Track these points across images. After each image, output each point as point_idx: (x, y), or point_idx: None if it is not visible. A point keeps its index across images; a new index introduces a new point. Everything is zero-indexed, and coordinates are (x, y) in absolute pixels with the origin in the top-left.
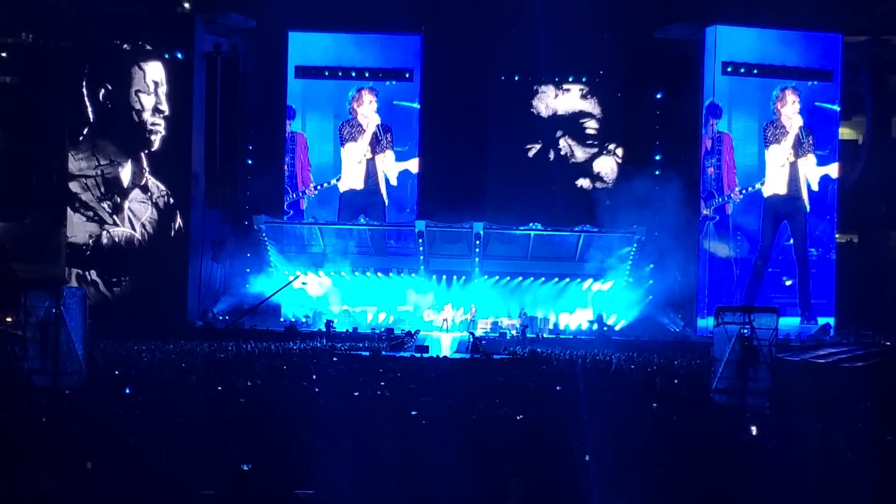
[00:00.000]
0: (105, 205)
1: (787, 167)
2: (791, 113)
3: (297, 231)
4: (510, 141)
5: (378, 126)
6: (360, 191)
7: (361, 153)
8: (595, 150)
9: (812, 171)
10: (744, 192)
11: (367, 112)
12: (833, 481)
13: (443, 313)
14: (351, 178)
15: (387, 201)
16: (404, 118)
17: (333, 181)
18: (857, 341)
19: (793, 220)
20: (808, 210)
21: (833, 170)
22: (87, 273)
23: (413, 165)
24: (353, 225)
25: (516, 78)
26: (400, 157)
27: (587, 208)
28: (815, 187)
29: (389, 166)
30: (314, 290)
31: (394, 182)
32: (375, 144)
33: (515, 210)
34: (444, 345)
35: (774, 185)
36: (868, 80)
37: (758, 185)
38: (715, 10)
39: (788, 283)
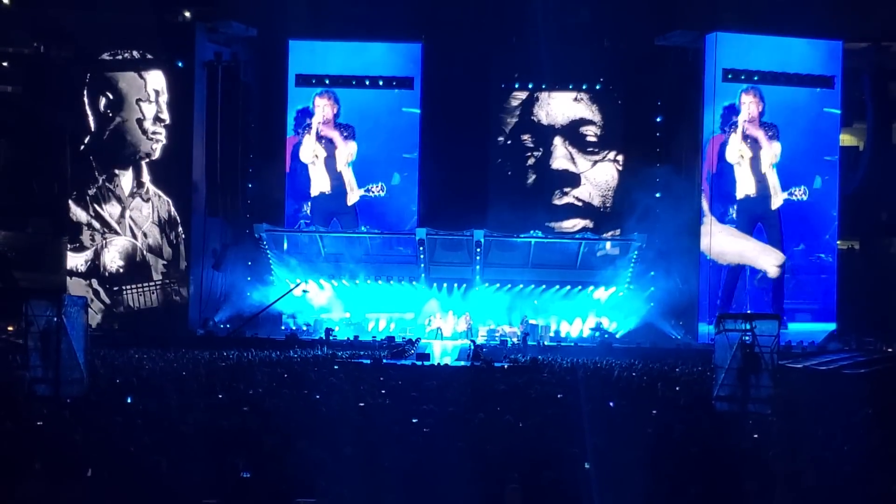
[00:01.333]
0: (106, 213)
1: (748, 167)
2: (746, 113)
3: (298, 239)
4: (511, 148)
5: (330, 123)
6: (329, 195)
7: (311, 152)
8: (595, 157)
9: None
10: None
11: (320, 115)
12: (835, 489)
13: (437, 321)
14: (319, 183)
15: (350, 201)
16: (405, 125)
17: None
18: (860, 348)
19: (766, 222)
20: (772, 209)
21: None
22: (88, 282)
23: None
24: (353, 233)
25: (517, 86)
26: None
27: (588, 215)
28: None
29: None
30: (315, 298)
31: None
32: (325, 143)
33: (516, 217)
34: (439, 352)
35: (743, 187)
36: (869, 86)
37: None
38: (715, 17)
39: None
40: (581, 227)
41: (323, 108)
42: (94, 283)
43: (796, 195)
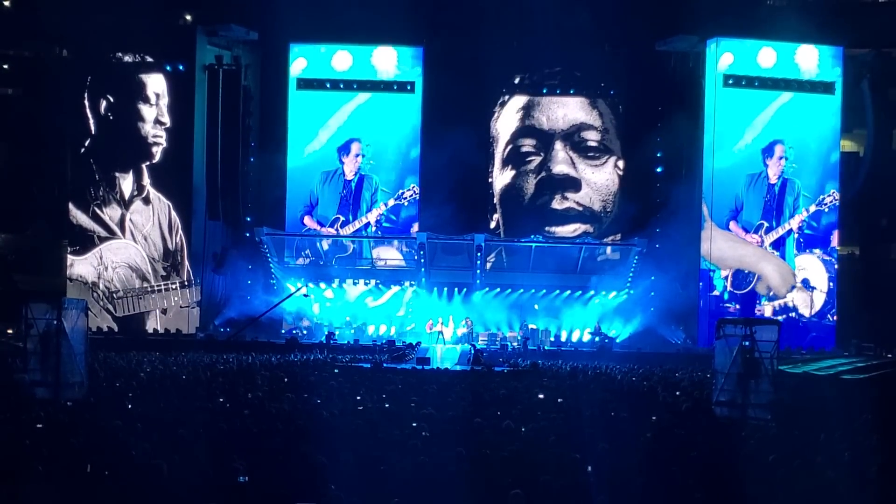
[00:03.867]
0: (106, 217)
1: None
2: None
3: (299, 242)
4: (512, 153)
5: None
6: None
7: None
8: (596, 162)
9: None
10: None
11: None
12: (835, 494)
13: (438, 325)
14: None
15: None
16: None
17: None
18: (859, 353)
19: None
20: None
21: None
22: (88, 285)
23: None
24: (354, 236)
25: (517, 90)
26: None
27: (588, 220)
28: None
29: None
30: (315, 301)
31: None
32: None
33: (517, 222)
34: (440, 356)
35: None
36: (869, 92)
37: None
38: (716, 22)
39: None
40: (581, 231)
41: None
42: (94, 286)
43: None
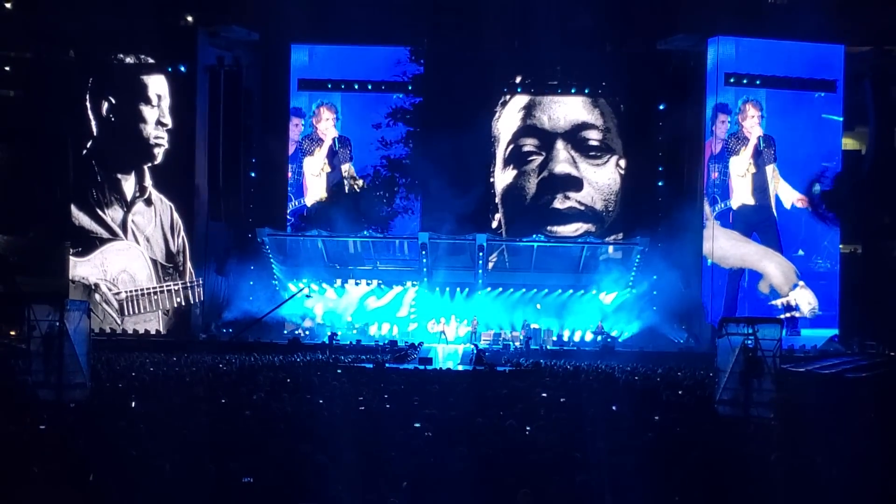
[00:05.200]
0: (108, 218)
1: (750, 177)
2: (751, 125)
3: (301, 243)
4: (513, 152)
5: (335, 139)
6: (325, 202)
7: (319, 167)
8: (598, 161)
9: (778, 183)
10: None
11: (325, 127)
12: (837, 493)
13: (440, 325)
14: (315, 192)
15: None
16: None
17: (302, 201)
18: (862, 352)
19: (763, 231)
20: (776, 219)
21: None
22: (90, 286)
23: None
24: (356, 236)
25: (518, 90)
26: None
27: (590, 219)
28: (784, 200)
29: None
30: (318, 301)
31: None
32: (332, 157)
33: (518, 221)
34: (442, 356)
35: (741, 195)
36: (871, 90)
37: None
38: (717, 21)
39: None
40: (583, 230)
41: (329, 120)
42: (97, 287)
43: (798, 204)
